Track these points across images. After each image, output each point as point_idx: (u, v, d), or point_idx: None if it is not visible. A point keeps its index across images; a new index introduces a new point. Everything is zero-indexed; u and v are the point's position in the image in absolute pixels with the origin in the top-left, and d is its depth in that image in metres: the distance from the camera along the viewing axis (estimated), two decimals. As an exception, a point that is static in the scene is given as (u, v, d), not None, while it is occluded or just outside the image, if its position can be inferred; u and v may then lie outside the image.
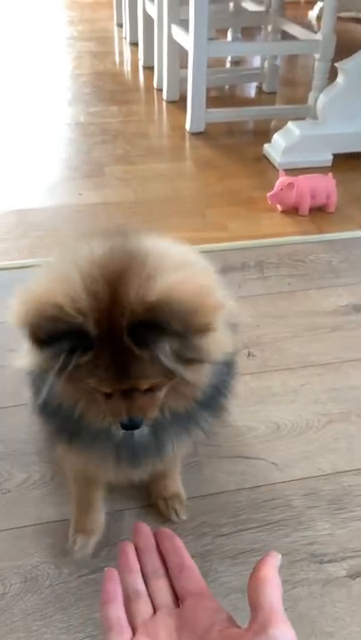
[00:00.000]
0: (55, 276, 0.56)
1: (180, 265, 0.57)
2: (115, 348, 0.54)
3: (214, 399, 0.70)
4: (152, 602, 0.56)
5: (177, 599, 0.55)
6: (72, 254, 0.59)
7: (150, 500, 0.96)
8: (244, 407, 1.14)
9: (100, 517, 0.91)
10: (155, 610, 0.55)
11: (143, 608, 0.54)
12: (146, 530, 0.63)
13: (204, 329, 0.53)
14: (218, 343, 0.57)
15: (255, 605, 0.48)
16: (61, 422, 0.69)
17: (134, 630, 0.52)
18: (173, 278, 0.54)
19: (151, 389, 0.59)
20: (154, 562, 0.59)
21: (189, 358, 0.55)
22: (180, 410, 0.66)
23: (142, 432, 0.67)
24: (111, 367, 0.55)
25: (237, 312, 0.67)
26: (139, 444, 0.70)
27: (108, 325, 0.53)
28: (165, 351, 0.53)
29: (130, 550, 0.61)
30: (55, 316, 0.51)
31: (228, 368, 0.70)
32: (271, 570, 0.51)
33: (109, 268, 0.55)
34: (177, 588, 0.56)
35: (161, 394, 0.61)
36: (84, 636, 0.80)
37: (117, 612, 0.53)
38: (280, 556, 0.53)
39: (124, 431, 0.63)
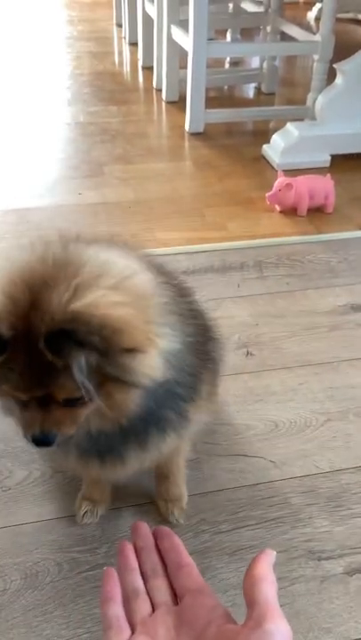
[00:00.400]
0: None
1: (116, 285, 0.54)
2: (30, 353, 0.52)
3: (142, 429, 0.66)
4: (151, 600, 0.56)
5: (176, 597, 0.56)
6: (8, 259, 0.58)
7: (152, 499, 0.97)
8: (243, 406, 1.14)
9: (107, 488, 0.94)
10: (153, 608, 0.55)
11: (142, 606, 0.55)
12: (144, 529, 0.64)
13: (129, 350, 0.51)
14: (145, 367, 0.54)
15: (251, 602, 0.49)
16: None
17: (133, 628, 0.53)
18: (103, 296, 0.52)
19: (71, 402, 0.56)
20: (153, 560, 0.60)
21: (113, 376, 0.53)
22: (106, 428, 0.63)
23: (54, 446, 0.61)
24: (25, 372, 0.53)
25: (175, 352, 0.61)
26: (109, 441, 0.67)
27: (25, 329, 0.51)
28: (80, 364, 0.51)
29: (129, 549, 0.61)
30: None
31: (162, 400, 0.65)
32: (266, 567, 0.51)
33: (35, 273, 0.54)
34: (175, 586, 0.57)
35: (82, 411, 0.57)
36: (83, 631, 0.81)
37: (116, 610, 0.54)
38: (275, 553, 0.54)
39: (35, 447, 0.59)
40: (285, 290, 1.47)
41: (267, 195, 1.77)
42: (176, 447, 0.82)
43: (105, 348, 0.50)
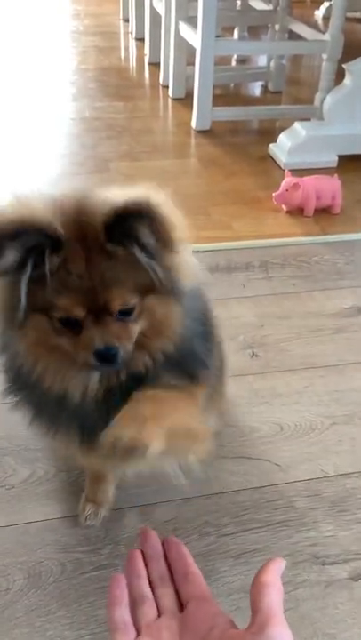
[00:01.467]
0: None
1: (153, 193, 0.59)
2: (87, 251, 0.54)
3: (180, 363, 0.66)
4: (157, 606, 0.57)
5: (181, 604, 0.56)
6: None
7: (155, 500, 0.97)
8: (248, 407, 1.14)
9: (110, 490, 0.94)
10: (159, 613, 0.56)
11: (148, 611, 0.56)
12: (154, 537, 0.65)
13: (172, 244, 0.56)
14: (186, 269, 0.60)
15: (255, 608, 0.49)
16: (27, 395, 0.69)
17: (138, 632, 0.54)
18: (143, 192, 0.56)
19: (125, 314, 0.58)
20: (160, 569, 0.60)
21: (163, 279, 0.57)
22: (139, 368, 0.63)
23: (119, 367, 0.62)
24: (84, 274, 0.54)
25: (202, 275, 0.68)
26: (94, 411, 0.67)
27: (78, 228, 0.54)
28: (141, 243, 0.54)
29: (138, 556, 0.62)
30: (21, 217, 0.52)
31: (198, 333, 0.68)
32: (274, 574, 0.52)
33: (74, 194, 0.58)
34: (181, 593, 0.57)
35: (134, 327, 0.59)
36: (87, 632, 0.80)
37: (123, 614, 0.55)
38: (285, 562, 0.54)
39: (100, 366, 0.59)
40: (291, 291, 1.46)
41: (273, 194, 1.76)
42: None
43: (159, 228, 0.53)
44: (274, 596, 0.50)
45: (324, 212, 1.78)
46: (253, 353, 1.27)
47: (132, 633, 0.53)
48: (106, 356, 0.58)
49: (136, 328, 0.60)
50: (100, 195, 0.58)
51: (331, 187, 1.75)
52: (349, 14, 3.53)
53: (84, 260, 0.54)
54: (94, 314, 0.57)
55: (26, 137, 2.29)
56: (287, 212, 1.79)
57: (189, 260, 0.61)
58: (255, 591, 0.50)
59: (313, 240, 1.66)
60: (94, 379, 0.64)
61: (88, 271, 0.54)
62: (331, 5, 2.21)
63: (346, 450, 1.06)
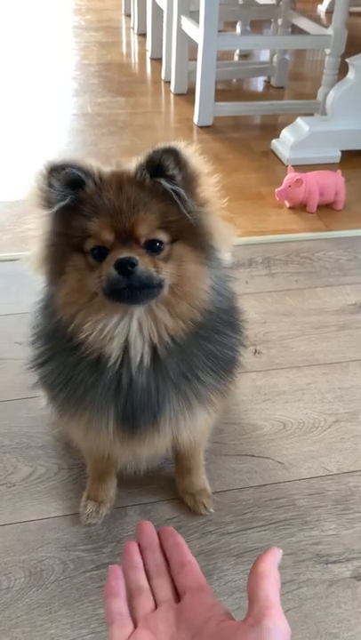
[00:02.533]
0: None
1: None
2: (119, 183, 0.62)
3: (213, 333, 0.70)
4: (154, 597, 0.57)
5: (177, 595, 0.56)
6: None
7: (157, 499, 0.96)
8: (251, 405, 1.13)
9: (111, 488, 0.94)
10: (156, 605, 0.56)
11: (145, 603, 0.55)
12: (149, 528, 0.64)
13: (202, 198, 0.63)
14: (218, 229, 0.65)
15: (252, 598, 0.49)
16: (58, 362, 0.69)
17: (135, 623, 0.54)
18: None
19: (151, 248, 0.62)
20: (156, 559, 0.60)
21: (195, 228, 0.63)
22: (177, 332, 0.66)
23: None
24: (114, 199, 0.61)
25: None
26: (136, 391, 0.67)
27: (114, 176, 0.63)
28: (167, 173, 0.61)
29: (133, 548, 0.62)
30: (64, 161, 0.63)
31: (229, 318, 0.73)
32: (270, 565, 0.52)
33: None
34: (177, 584, 0.57)
35: (162, 265, 0.62)
36: (88, 632, 0.80)
37: (120, 606, 0.55)
38: (281, 551, 0.54)
39: (121, 278, 0.61)
40: (294, 287, 1.45)
41: (276, 190, 1.75)
42: (201, 433, 0.84)
43: (186, 169, 0.62)
44: (271, 586, 0.50)
45: (327, 207, 1.77)
46: (256, 350, 1.26)
47: (129, 625, 0.53)
48: (124, 265, 0.60)
49: (165, 269, 0.62)
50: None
51: (334, 182, 1.74)
52: (353, 9, 3.50)
53: (116, 188, 0.61)
54: (122, 241, 0.61)
55: (28, 132, 2.28)
56: (290, 207, 1.78)
57: (221, 224, 0.66)
58: (252, 582, 0.50)
59: (316, 236, 1.65)
60: (134, 329, 0.65)
61: (117, 196, 0.61)
62: (334, -1, 2.19)
63: (349, 448, 1.06)
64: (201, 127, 2.29)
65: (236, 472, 1.01)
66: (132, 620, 0.54)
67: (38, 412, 1.09)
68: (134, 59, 3.15)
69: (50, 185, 0.62)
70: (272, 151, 2.12)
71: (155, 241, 0.62)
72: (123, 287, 0.61)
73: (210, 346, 0.70)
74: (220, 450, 1.04)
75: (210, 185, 0.65)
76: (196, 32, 2.17)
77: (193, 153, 0.65)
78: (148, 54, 3.03)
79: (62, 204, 0.61)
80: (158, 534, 0.63)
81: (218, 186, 0.68)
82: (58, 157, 0.62)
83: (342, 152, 2.03)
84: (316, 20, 3.41)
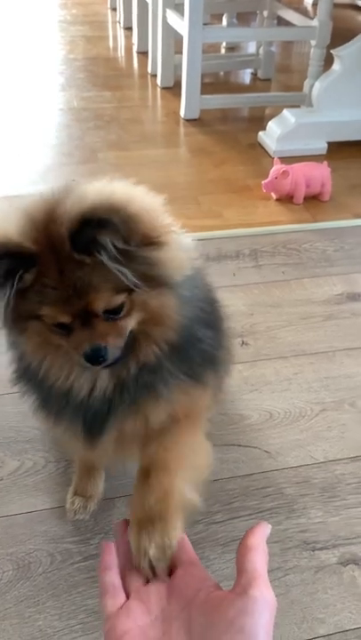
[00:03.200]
0: None
1: (127, 190, 0.58)
2: (59, 262, 0.55)
3: (186, 351, 0.66)
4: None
5: (170, 570, 0.57)
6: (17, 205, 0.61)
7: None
8: (238, 395, 1.14)
9: (100, 483, 0.94)
10: (148, 579, 0.57)
11: (137, 577, 0.57)
12: None
13: (151, 243, 0.56)
14: (172, 261, 0.59)
15: (240, 570, 0.50)
16: (34, 387, 0.71)
17: (128, 596, 0.55)
18: (118, 191, 0.56)
19: (112, 314, 0.58)
20: None
21: (148, 275, 0.56)
22: (149, 358, 0.64)
23: (110, 363, 0.62)
24: (60, 284, 0.55)
25: (191, 247, 0.67)
26: (94, 413, 0.68)
27: (48, 240, 0.55)
28: (107, 250, 0.53)
29: (127, 525, 0.63)
30: None
31: (201, 321, 0.68)
32: (259, 538, 0.53)
33: (47, 199, 0.57)
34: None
35: (125, 322, 0.60)
36: (76, 622, 0.80)
37: (113, 578, 0.56)
38: (270, 526, 0.55)
39: (90, 367, 0.60)
40: (281, 279, 1.46)
41: (263, 182, 1.75)
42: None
43: (126, 230, 0.53)
44: (259, 558, 0.51)
45: (313, 199, 1.78)
46: (243, 341, 1.26)
47: (122, 596, 0.54)
48: (94, 358, 0.59)
49: (129, 323, 0.60)
50: (75, 193, 0.57)
51: (320, 174, 1.74)
52: (338, 0, 3.51)
53: (57, 272, 0.55)
54: (81, 317, 0.58)
55: (14, 127, 2.27)
56: (277, 199, 1.78)
57: (176, 251, 0.60)
58: (241, 554, 0.51)
59: (303, 227, 1.66)
60: (103, 376, 0.65)
61: (62, 281, 0.55)
62: (319, -9, 2.19)
63: (335, 436, 1.06)
64: (188, 120, 2.29)
65: (224, 462, 1.02)
66: (125, 593, 0.55)
67: (25, 407, 1.08)
68: (120, 52, 3.14)
69: None
70: (259, 143, 2.12)
71: (114, 308, 0.58)
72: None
73: (181, 354, 0.67)
74: (208, 440, 1.05)
75: (162, 219, 0.58)
76: (181, 25, 2.17)
77: (136, 197, 0.57)
78: (135, 48, 3.02)
79: (3, 302, 0.56)
80: None
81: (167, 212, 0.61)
82: None
83: (328, 143, 2.04)
84: (303, 11, 3.41)
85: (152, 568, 0.56)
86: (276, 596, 0.49)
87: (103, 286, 0.56)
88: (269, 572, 0.52)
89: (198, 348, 0.69)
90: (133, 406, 0.68)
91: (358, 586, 0.85)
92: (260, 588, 0.48)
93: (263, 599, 0.47)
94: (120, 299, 0.57)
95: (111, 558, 0.57)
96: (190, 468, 0.67)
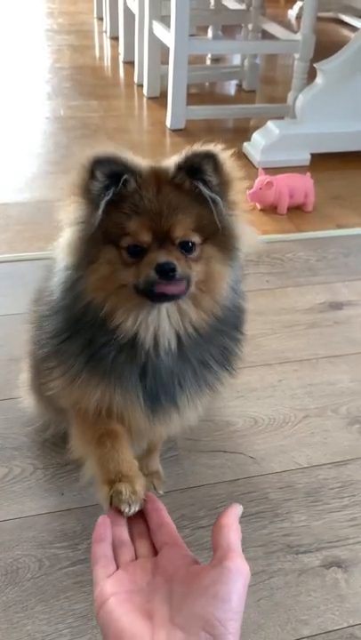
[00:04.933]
0: None
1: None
2: (158, 182, 0.64)
3: (228, 328, 0.73)
4: (135, 552, 0.62)
5: (155, 553, 0.61)
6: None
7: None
8: (224, 402, 1.16)
9: (132, 459, 0.73)
10: (136, 557, 0.61)
11: (126, 554, 0.61)
12: None
13: (234, 202, 0.65)
14: (245, 234, 0.67)
15: (216, 546, 0.54)
16: (83, 342, 0.70)
17: (117, 568, 0.59)
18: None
19: (185, 249, 0.64)
20: (139, 524, 0.65)
21: (225, 229, 0.65)
22: (199, 323, 0.69)
23: (173, 296, 0.66)
24: (154, 200, 0.63)
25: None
26: (160, 374, 0.71)
27: (152, 170, 0.65)
28: (207, 178, 0.63)
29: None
30: (108, 152, 0.64)
31: (239, 305, 0.75)
32: (232, 517, 0.57)
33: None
34: (155, 541, 0.62)
35: (194, 265, 0.65)
36: (65, 626, 0.81)
37: (105, 549, 0.59)
38: (241, 507, 0.59)
39: (160, 280, 0.63)
40: (265, 287, 1.49)
41: (247, 193, 1.78)
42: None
43: (222, 172, 0.64)
44: (232, 534, 0.55)
45: (297, 209, 1.81)
46: (228, 349, 1.28)
47: (112, 566, 0.58)
48: (166, 271, 0.62)
49: (195, 268, 0.65)
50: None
51: (303, 185, 1.78)
52: (322, 14, 3.58)
53: (156, 189, 0.63)
54: (159, 242, 0.63)
55: (0, 136, 2.28)
56: (261, 210, 1.81)
57: (249, 228, 0.69)
58: (216, 531, 0.56)
59: (286, 237, 1.69)
60: (164, 318, 0.68)
61: (157, 197, 0.63)
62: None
63: (318, 442, 1.09)
64: (173, 130, 2.32)
65: (210, 467, 1.03)
66: (115, 565, 0.59)
67: (13, 414, 1.09)
68: (107, 62, 3.16)
69: (92, 177, 0.63)
70: (244, 154, 2.16)
71: (188, 242, 0.64)
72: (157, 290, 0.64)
73: (224, 339, 0.74)
74: (194, 446, 1.07)
75: (240, 190, 0.68)
76: (167, 36, 2.20)
77: (228, 158, 0.67)
78: (121, 58, 3.05)
79: (107, 198, 0.62)
80: None
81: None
82: (102, 150, 0.63)
83: (312, 155, 2.08)
84: (287, 25, 3.47)
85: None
86: (261, 599, 0.51)
87: (188, 215, 0.63)
88: (254, 574, 0.54)
89: (233, 341, 0.76)
90: (196, 383, 0.73)
91: (341, 588, 0.87)
92: (234, 560, 0.52)
93: (237, 569, 0.51)
94: (196, 236, 0.64)
95: (105, 531, 0.61)
96: None
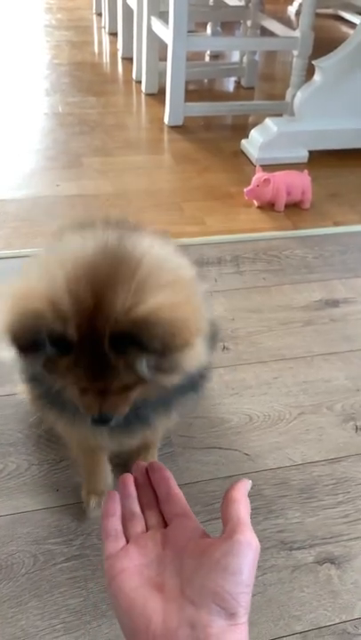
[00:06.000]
0: (40, 274, 0.57)
1: (171, 282, 0.57)
2: (93, 351, 0.55)
3: (187, 386, 0.70)
4: (145, 523, 0.63)
5: (165, 524, 0.62)
6: (62, 249, 0.60)
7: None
8: (219, 399, 1.16)
9: (108, 477, 0.96)
10: (146, 529, 0.62)
11: (136, 526, 0.61)
12: (143, 467, 0.70)
13: (183, 348, 0.55)
14: (194, 357, 0.59)
15: (225, 520, 0.55)
16: (46, 390, 0.71)
17: (127, 541, 0.60)
18: (163, 298, 0.55)
19: (125, 389, 0.61)
20: (148, 495, 0.66)
21: (168, 369, 0.58)
22: (151, 398, 0.68)
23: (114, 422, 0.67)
24: (88, 368, 0.57)
25: (216, 321, 0.70)
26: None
27: (90, 330, 0.54)
28: (142, 364, 0.55)
29: (130, 480, 0.67)
30: (36, 325, 0.53)
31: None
32: (241, 492, 0.58)
33: (97, 270, 0.56)
34: (164, 512, 0.63)
35: (133, 393, 0.63)
36: (58, 622, 0.82)
37: (115, 524, 0.60)
38: (250, 482, 0.60)
39: (95, 426, 0.65)
40: (262, 285, 1.49)
41: (245, 190, 1.78)
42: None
43: (164, 350, 0.53)
44: (242, 508, 0.55)
45: (294, 206, 1.81)
46: (224, 346, 1.29)
47: (122, 540, 0.59)
48: (100, 423, 0.64)
49: (135, 393, 0.63)
50: (127, 278, 0.55)
51: (301, 182, 1.78)
52: (321, 10, 3.57)
53: (90, 359, 0.56)
54: (98, 390, 0.61)
55: (-2, 132, 2.28)
56: (258, 207, 1.81)
57: (199, 349, 0.59)
58: (225, 505, 0.56)
59: (284, 235, 1.69)
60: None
61: (92, 367, 0.57)
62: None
63: (313, 439, 1.09)
64: (172, 127, 2.31)
65: (204, 464, 1.04)
66: (125, 539, 0.59)
67: (8, 410, 1.10)
68: (105, 58, 3.16)
69: (24, 361, 0.57)
70: (242, 151, 2.16)
71: (128, 388, 0.61)
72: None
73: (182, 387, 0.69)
74: (189, 443, 1.07)
75: (199, 322, 0.58)
76: (165, 33, 2.20)
77: (185, 301, 0.57)
78: (120, 54, 3.04)
79: (36, 369, 0.58)
80: (147, 469, 0.69)
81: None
82: (18, 319, 0.53)
83: (309, 152, 2.08)
84: (286, 21, 3.47)
85: None
86: (254, 594, 0.52)
87: (127, 378, 0.58)
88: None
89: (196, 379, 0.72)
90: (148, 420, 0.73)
91: (334, 584, 0.88)
92: (244, 533, 0.52)
93: (247, 542, 0.52)
94: (136, 384, 0.61)
95: (114, 506, 0.62)
96: None
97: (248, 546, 0.52)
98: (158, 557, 0.56)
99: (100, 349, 0.55)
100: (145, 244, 0.61)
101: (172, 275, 0.59)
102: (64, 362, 0.57)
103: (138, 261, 0.57)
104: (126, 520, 0.62)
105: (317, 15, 2.23)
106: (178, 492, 0.64)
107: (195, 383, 0.73)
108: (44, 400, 0.74)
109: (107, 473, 0.96)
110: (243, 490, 0.58)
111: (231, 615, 0.50)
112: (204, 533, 0.58)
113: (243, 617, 0.50)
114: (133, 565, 0.55)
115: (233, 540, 0.52)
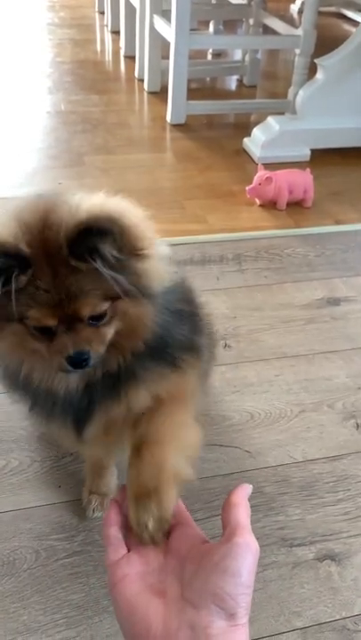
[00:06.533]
0: None
1: (113, 204, 0.61)
2: (52, 266, 0.55)
3: (161, 350, 0.68)
4: None
5: (166, 534, 0.62)
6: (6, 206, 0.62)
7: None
8: (220, 397, 1.17)
9: (112, 480, 0.98)
10: None
11: None
12: None
13: (139, 250, 0.58)
14: (155, 273, 0.61)
15: (225, 523, 0.55)
16: (21, 390, 0.72)
17: (129, 550, 0.60)
18: (105, 203, 0.59)
19: (96, 320, 0.59)
20: None
21: (133, 285, 0.58)
22: (113, 367, 0.66)
23: (93, 373, 0.65)
24: (51, 288, 0.56)
25: (167, 252, 0.69)
26: (80, 400, 0.70)
27: (43, 245, 0.55)
28: (105, 258, 0.55)
29: None
30: None
31: (176, 320, 0.70)
32: (242, 496, 0.58)
33: (37, 205, 0.58)
34: None
35: (107, 330, 0.61)
36: (60, 616, 0.82)
37: (116, 532, 0.60)
38: (251, 486, 0.60)
39: (73, 370, 0.61)
40: (263, 283, 1.49)
41: (247, 188, 1.79)
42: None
43: (122, 240, 0.55)
44: (242, 512, 0.56)
45: (296, 205, 1.81)
46: (226, 344, 1.29)
47: (124, 548, 0.59)
48: (77, 362, 0.60)
49: (109, 330, 0.62)
50: (67, 201, 0.58)
51: (303, 180, 1.78)
52: (324, 8, 3.56)
53: (51, 276, 0.56)
54: (66, 322, 0.58)
55: (1, 130, 2.28)
56: (260, 205, 1.82)
57: (159, 263, 0.62)
58: (226, 510, 0.57)
59: (285, 233, 1.69)
60: (73, 377, 0.67)
61: (55, 285, 0.56)
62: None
63: (314, 436, 1.10)
64: (174, 125, 2.32)
65: (205, 461, 1.04)
66: (126, 548, 0.59)
67: (11, 407, 1.10)
68: (108, 56, 3.16)
69: None
70: (244, 150, 2.16)
71: (98, 314, 0.59)
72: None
73: (155, 349, 0.68)
74: (190, 440, 1.07)
75: (148, 232, 0.60)
76: (167, 31, 2.20)
77: (128, 209, 0.60)
78: (122, 52, 3.04)
79: None
80: None
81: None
82: None
83: (311, 151, 2.08)
84: (289, 19, 3.47)
85: (152, 538, 0.59)
86: (255, 591, 0.52)
87: (93, 292, 0.57)
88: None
89: (174, 341, 0.70)
90: (115, 394, 0.69)
91: (334, 581, 0.88)
92: (243, 536, 0.52)
93: (246, 544, 0.52)
94: (105, 305, 0.59)
95: (115, 515, 0.62)
96: (180, 442, 0.68)
97: (247, 548, 0.52)
98: (160, 566, 0.56)
99: (58, 262, 0.55)
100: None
101: (117, 204, 0.61)
102: (26, 286, 0.56)
103: (78, 199, 0.60)
104: (128, 530, 0.61)
105: (320, 13, 2.22)
106: (178, 502, 0.64)
107: (166, 351, 0.69)
108: (28, 405, 0.74)
109: (112, 476, 0.97)
110: (243, 494, 0.58)
111: (231, 616, 0.50)
112: (204, 540, 0.58)
113: (243, 618, 0.51)
114: (135, 572, 0.56)
115: (232, 543, 0.52)
